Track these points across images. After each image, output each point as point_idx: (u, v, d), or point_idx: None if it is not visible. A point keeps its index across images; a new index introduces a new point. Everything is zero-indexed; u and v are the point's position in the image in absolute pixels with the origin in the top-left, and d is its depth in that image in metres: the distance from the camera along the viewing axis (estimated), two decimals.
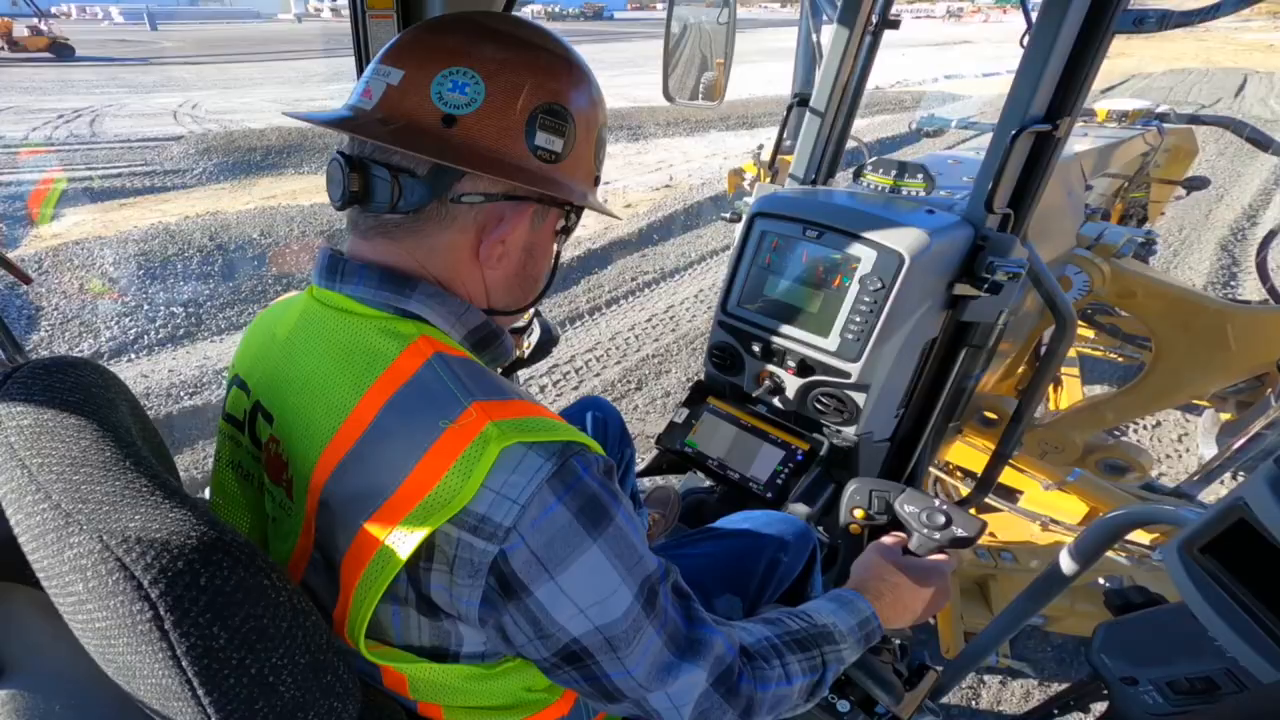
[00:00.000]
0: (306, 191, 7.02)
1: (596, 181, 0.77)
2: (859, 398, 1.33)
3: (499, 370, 0.76)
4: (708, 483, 1.72)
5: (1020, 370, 2.20)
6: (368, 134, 0.64)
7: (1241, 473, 2.30)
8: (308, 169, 7.93)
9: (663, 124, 10.47)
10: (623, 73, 17.06)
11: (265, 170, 7.85)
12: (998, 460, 1.52)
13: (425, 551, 0.57)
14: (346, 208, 0.68)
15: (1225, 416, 2.42)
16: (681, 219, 6.19)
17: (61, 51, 19.22)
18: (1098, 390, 2.96)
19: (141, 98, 12.35)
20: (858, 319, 1.26)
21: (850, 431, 1.39)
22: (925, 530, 0.96)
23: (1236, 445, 2.12)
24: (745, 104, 11.71)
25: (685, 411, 1.59)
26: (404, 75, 0.64)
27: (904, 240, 1.22)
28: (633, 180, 7.48)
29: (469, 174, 0.65)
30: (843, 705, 1.10)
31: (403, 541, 0.56)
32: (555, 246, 0.77)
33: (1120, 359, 2.83)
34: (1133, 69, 16.84)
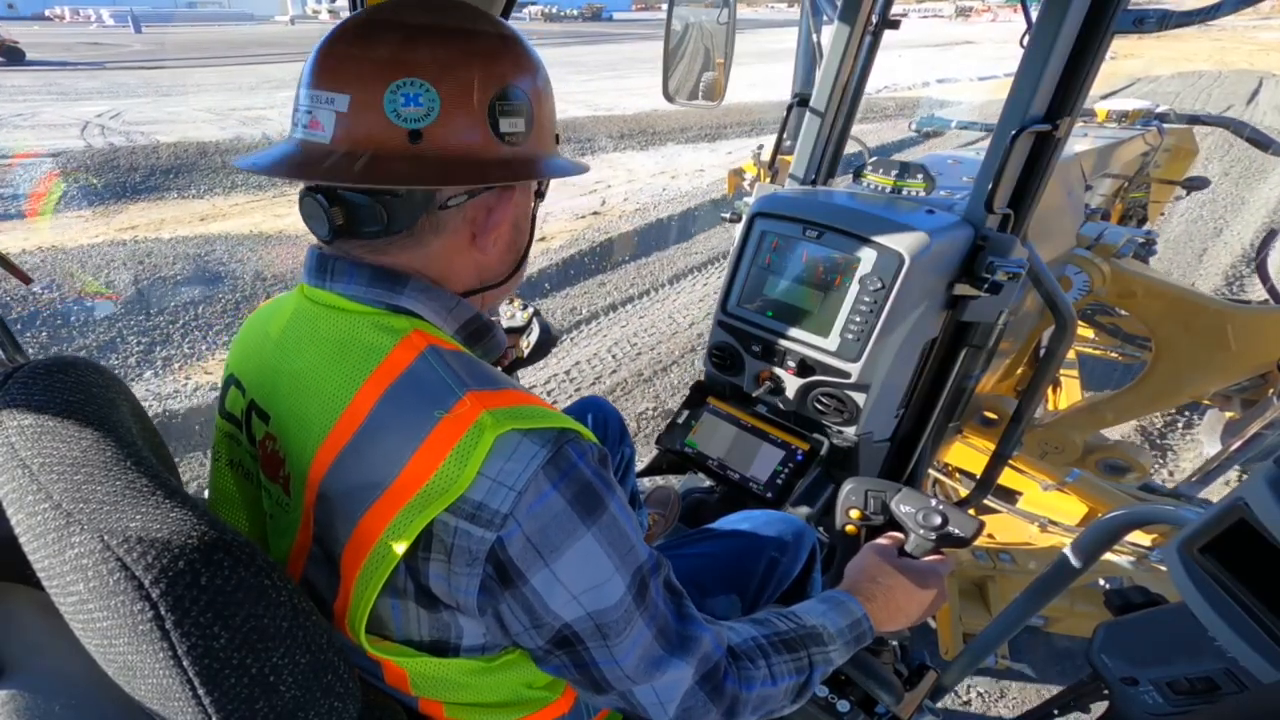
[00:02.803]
0: (178, 221, 5.99)
1: (557, 140, 0.77)
2: (859, 398, 1.33)
3: (497, 367, 0.76)
4: (708, 483, 1.72)
5: (1020, 370, 2.20)
6: (338, 178, 0.62)
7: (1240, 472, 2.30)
8: (194, 192, 6.86)
9: (615, 136, 9.62)
10: (597, 76, 15.96)
11: (142, 194, 6.74)
12: (997, 460, 1.52)
13: (424, 541, 0.58)
14: (335, 241, 0.67)
15: (1230, 415, 2.42)
16: (594, 258, 5.18)
17: (11, 55, 18.35)
18: (1098, 391, 2.96)
19: (65, 106, 11.05)
20: (858, 319, 1.26)
21: (850, 431, 1.39)
22: (921, 530, 0.95)
23: (1236, 445, 2.12)
24: (710, 112, 10.76)
25: (685, 412, 1.60)
26: (350, 99, 0.61)
27: (904, 240, 1.22)
28: (560, 205, 6.42)
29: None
30: (843, 705, 1.10)
31: (401, 531, 0.57)
32: (533, 211, 0.78)
33: (1120, 359, 2.83)
34: (1139, 71, 15.90)
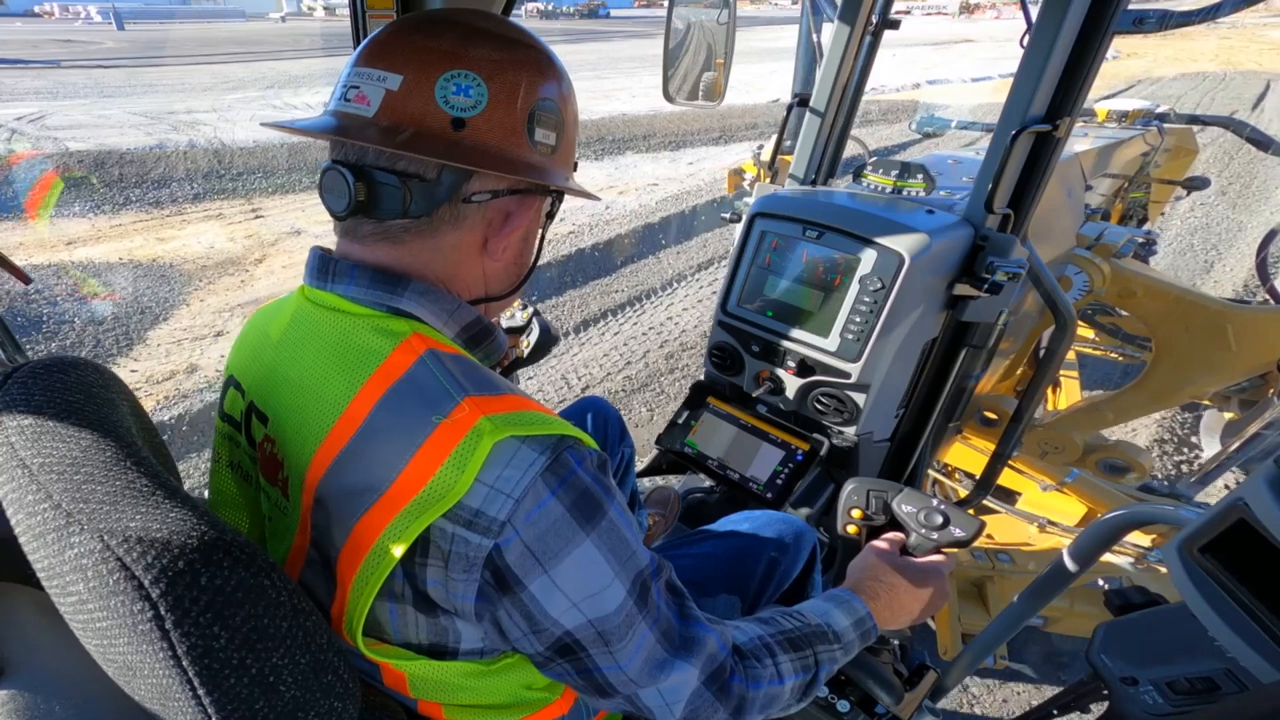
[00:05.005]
0: (39, 244, 5.12)
1: (575, 167, 0.80)
2: (859, 398, 1.33)
3: (497, 368, 0.76)
4: (708, 483, 1.72)
5: (1020, 370, 2.20)
6: (379, 143, 0.64)
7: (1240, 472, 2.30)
8: (76, 209, 5.98)
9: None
10: (574, 78, 15.03)
11: (14, 210, 5.89)
12: (997, 460, 1.52)
13: (420, 547, 0.58)
14: (351, 218, 0.68)
15: (1229, 415, 2.42)
16: None
17: None
18: (1097, 391, 2.96)
19: None
20: (858, 319, 1.26)
21: (850, 431, 1.39)
22: (923, 530, 0.96)
23: (1236, 445, 2.12)
24: (679, 117, 9.64)
25: (685, 412, 1.59)
26: (403, 80, 0.64)
27: (904, 240, 1.22)
28: None
29: (478, 174, 0.66)
30: (843, 705, 1.10)
31: (398, 537, 0.57)
32: (542, 231, 0.80)
33: (1120, 359, 2.83)
34: (1141, 72, 15.23)
